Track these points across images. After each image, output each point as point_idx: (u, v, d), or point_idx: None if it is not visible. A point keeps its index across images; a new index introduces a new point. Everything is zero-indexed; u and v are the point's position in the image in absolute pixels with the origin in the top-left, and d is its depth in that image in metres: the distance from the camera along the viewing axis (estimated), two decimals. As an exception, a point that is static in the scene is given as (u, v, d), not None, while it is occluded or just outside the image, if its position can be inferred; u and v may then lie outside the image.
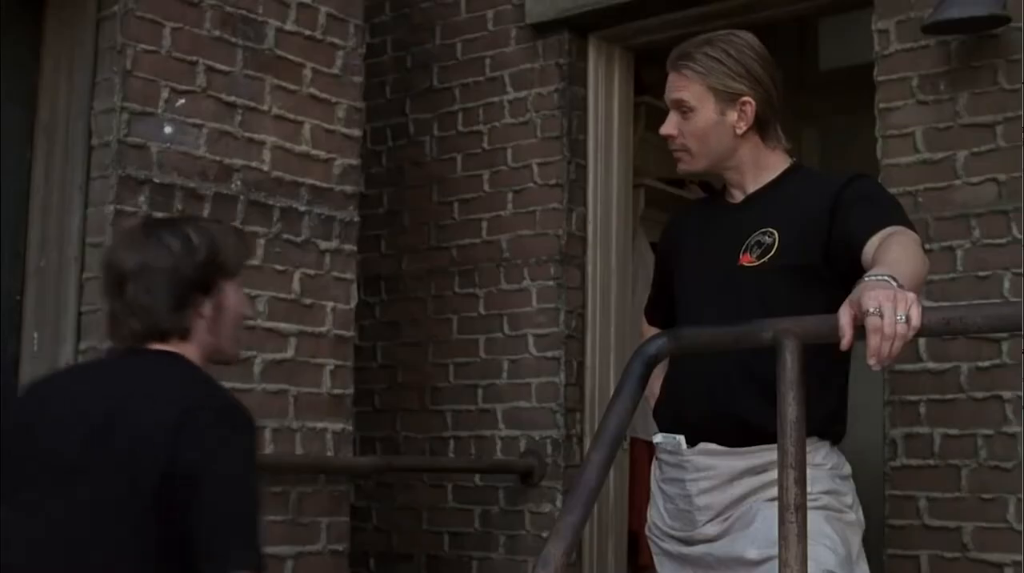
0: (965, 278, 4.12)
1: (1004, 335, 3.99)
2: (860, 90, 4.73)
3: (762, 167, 3.20)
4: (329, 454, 4.36)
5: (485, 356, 5.25)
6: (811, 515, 2.68)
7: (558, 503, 4.92)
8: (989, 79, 4.16)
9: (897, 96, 4.33)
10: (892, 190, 4.22)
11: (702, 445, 3.08)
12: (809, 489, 2.82)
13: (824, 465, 3.03)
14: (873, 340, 2.37)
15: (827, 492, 3.01)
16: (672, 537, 3.18)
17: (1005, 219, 4.07)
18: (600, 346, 5.21)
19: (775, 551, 2.61)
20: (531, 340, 5.13)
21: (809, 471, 2.88)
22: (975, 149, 4.16)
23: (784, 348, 2.49)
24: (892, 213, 2.97)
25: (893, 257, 2.67)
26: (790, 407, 2.46)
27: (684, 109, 3.17)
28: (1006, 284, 4.05)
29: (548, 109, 5.21)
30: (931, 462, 4.12)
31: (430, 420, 5.38)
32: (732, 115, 3.13)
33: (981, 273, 4.10)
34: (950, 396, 4.11)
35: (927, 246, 4.17)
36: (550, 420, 5.03)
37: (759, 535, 2.95)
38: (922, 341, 4.14)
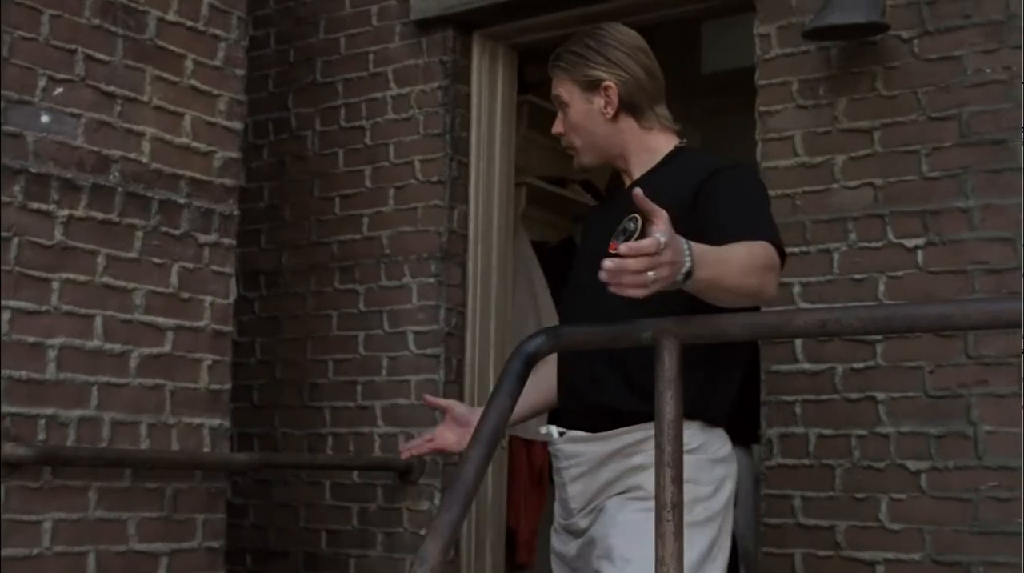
0: (841, 280, 4.18)
1: (878, 337, 4.05)
2: (742, 93, 4.78)
3: (646, 150, 3.31)
4: (206, 450, 4.31)
5: (364, 353, 5.24)
6: (647, 515, 2.73)
7: (436, 501, 4.91)
8: (867, 85, 4.22)
9: (777, 100, 4.38)
10: (771, 192, 4.27)
11: (570, 433, 3.17)
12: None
13: (685, 445, 3.00)
14: (624, 262, 2.39)
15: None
16: (561, 530, 3.26)
17: (881, 223, 4.13)
18: (480, 344, 5.21)
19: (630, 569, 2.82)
20: (411, 337, 5.12)
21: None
22: (853, 154, 4.22)
23: (663, 348, 2.50)
24: (760, 225, 2.97)
25: (725, 254, 2.70)
26: (668, 406, 2.48)
27: (561, 105, 3.33)
28: (881, 287, 4.10)
29: (431, 106, 5.21)
30: (806, 462, 4.17)
31: (309, 416, 5.35)
32: (599, 101, 3.27)
33: (857, 276, 4.15)
34: (825, 397, 4.17)
35: (804, 249, 4.23)
36: (429, 417, 5.01)
37: (612, 552, 3.02)
38: (798, 342, 4.20)
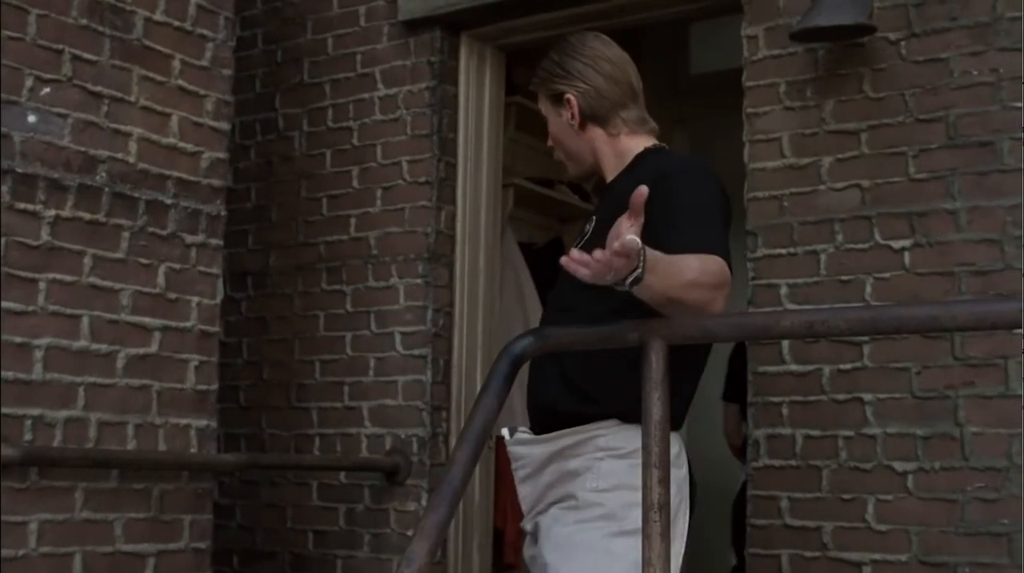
0: (828, 282, 4.18)
1: (865, 338, 4.05)
2: (730, 94, 4.78)
3: (616, 155, 3.34)
4: (193, 451, 4.31)
5: (352, 353, 5.23)
6: (576, 530, 2.76)
7: (423, 501, 4.91)
8: (854, 87, 4.22)
9: (764, 101, 4.38)
10: (758, 194, 4.30)
11: (518, 434, 3.23)
12: (595, 484, 2.89)
13: (621, 449, 3.06)
14: (595, 256, 2.43)
15: (614, 487, 3.03)
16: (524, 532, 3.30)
17: (868, 224, 4.13)
18: (467, 344, 5.21)
19: None
20: (398, 338, 5.12)
21: (606, 464, 2.93)
22: (840, 155, 4.22)
23: (650, 349, 2.51)
24: (713, 236, 2.94)
25: (677, 266, 2.69)
26: (655, 407, 2.48)
27: (546, 117, 3.40)
28: (868, 288, 4.11)
29: (419, 107, 5.20)
30: (793, 463, 4.18)
31: (296, 417, 5.35)
32: (566, 113, 3.32)
33: (844, 277, 4.16)
34: (812, 398, 4.17)
35: (791, 250, 4.23)
36: (416, 418, 5.02)
37: (547, 569, 3.06)
38: (785, 343, 4.20)
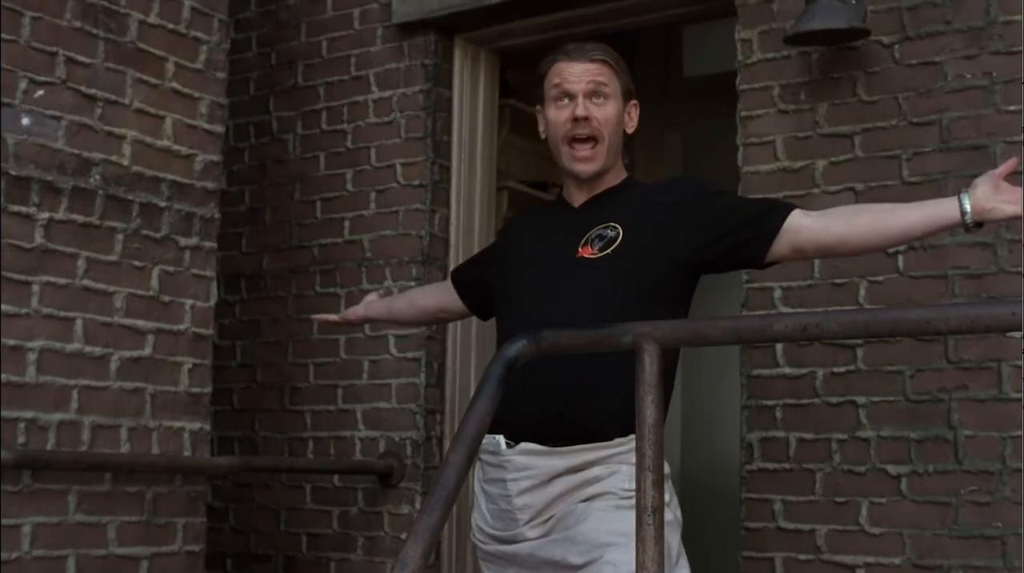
0: (822, 285, 4.18)
1: (859, 341, 4.06)
2: (723, 97, 4.78)
3: (614, 176, 3.32)
4: (186, 454, 4.30)
5: (345, 356, 5.23)
6: (627, 514, 2.71)
7: (417, 504, 4.90)
8: (848, 90, 4.22)
9: (758, 104, 4.38)
10: (752, 197, 4.29)
11: (523, 445, 3.13)
12: (627, 485, 2.87)
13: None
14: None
15: None
16: (495, 538, 3.21)
17: (861, 228, 4.13)
18: (461, 347, 5.20)
19: (597, 554, 2.84)
20: (392, 341, 5.11)
21: (626, 468, 2.92)
22: (833, 158, 4.22)
23: (643, 351, 2.50)
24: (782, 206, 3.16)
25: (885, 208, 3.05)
26: (648, 410, 2.47)
27: (603, 94, 3.23)
28: (862, 291, 4.11)
29: (413, 109, 5.20)
30: (786, 466, 4.18)
31: (289, 420, 5.34)
32: (624, 114, 3.28)
33: (838, 280, 4.16)
34: (805, 401, 4.17)
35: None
36: (410, 421, 5.02)
37: (580, 538, 2.99)
38: (779, 346, 4.20)
